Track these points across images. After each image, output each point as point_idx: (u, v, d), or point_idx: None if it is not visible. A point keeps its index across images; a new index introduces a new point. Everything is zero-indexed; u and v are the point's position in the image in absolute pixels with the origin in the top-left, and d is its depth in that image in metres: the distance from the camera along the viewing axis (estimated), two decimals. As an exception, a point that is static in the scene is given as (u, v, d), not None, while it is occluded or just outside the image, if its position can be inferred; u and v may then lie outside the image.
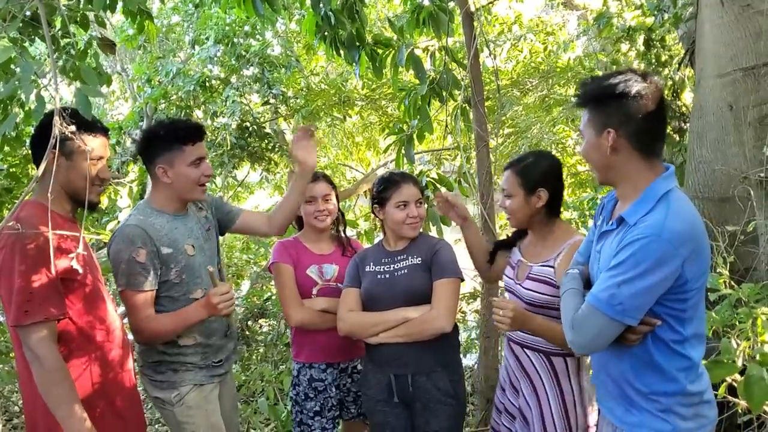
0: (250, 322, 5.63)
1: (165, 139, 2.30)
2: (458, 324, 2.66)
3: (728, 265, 2.42)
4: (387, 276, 2.48)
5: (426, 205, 2.66)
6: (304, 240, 2.84)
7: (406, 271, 2.46)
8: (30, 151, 2.09)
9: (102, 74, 3.06)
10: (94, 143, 2.02)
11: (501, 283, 2.57)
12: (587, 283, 1.86)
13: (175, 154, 2.29)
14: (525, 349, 2.32)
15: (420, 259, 2.46)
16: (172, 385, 2.31)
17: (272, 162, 9.19)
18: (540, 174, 2.26)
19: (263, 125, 8.97)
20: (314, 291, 2.74)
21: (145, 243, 2.19)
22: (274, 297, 5.50)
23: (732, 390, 2.11)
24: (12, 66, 2.43)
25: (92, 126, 2.02)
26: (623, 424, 1.79)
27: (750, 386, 1.92)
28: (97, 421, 1.94)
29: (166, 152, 2.29)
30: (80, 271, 1.83)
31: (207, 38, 7.72)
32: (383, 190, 2.53)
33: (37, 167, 2.02)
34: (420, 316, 2.36)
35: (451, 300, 2.39)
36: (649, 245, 1.58)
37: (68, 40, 3.25)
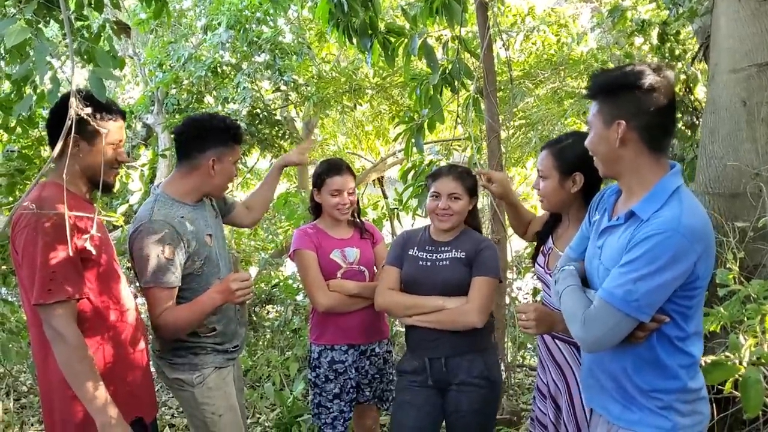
0: (257, 308, 5.66)
1: (224, 133, 2.35)
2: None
3: (738, 261, 2.41)
4: (428, 264, 2.53)
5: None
6: (323, 226, 2.88)
7: (447, 262, 2.50)
8: (46, 133, 2.09)
9: (116, 58, 3.07)
10: (113, 126, 2.04)
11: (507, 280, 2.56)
12: (583, 281, 1.84)
13: (227, 151, 2.36)
14: (555, 340, 2.31)
15: (464, 254, 2.50)
16: (194, 367, 2.32)
17: (282, 149, 9.21)
18: (578, 156, 2.11)
19: (274, 112, 8.99)
20: (339, 274, 2.79)
21: (173, 239, 2.18)
22: (281, 283, 5.53)
23: (738, 386, 2.11)
24: (26, 48, 2.45)
25: (111, 109, 2.04)
26: (620, 422, 1.77)
27: (747, 389, 1.91)
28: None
29: (222, 146, 2.34)
30: (94, 252, 1.85)
31: (219, 24, 7.72)
32: None
33: (53, 149, 2.04)
34: (455, 308, 2.42)
35: (487, 297, 2.44)
36: (665, 241, 1.56)
37: (81, 23, 3.26)
